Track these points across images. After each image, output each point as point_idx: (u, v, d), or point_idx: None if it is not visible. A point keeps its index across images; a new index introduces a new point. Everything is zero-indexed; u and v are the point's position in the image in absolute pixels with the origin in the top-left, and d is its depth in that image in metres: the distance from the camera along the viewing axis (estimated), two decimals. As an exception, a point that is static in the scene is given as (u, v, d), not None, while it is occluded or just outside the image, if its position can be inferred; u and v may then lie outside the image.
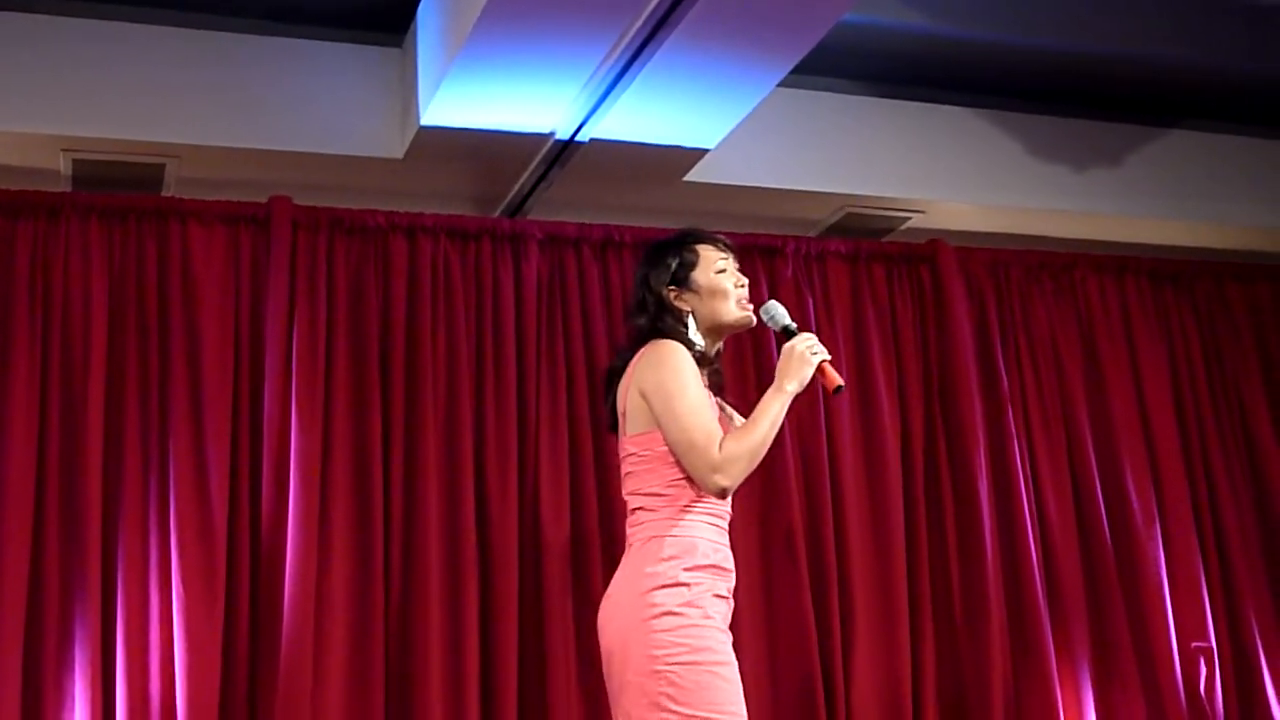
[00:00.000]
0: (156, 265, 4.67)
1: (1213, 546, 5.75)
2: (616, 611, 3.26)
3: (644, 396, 3.32)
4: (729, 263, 3.48)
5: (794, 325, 3.44)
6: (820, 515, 5.16)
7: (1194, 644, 5.53)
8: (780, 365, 3.34)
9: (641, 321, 3.48)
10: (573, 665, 4.74)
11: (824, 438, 5.23)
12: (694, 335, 3.40)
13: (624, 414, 3.41)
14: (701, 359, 3.40)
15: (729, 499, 3.36)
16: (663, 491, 3.28)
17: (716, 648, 3.14)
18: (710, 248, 3.50)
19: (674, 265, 3.49)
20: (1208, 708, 5.47)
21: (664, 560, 3.19)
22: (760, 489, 5.01)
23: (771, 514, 5.06)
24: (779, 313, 3.47)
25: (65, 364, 4.50)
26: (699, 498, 3.26)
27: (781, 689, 4.94)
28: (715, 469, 3.17)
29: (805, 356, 3.28)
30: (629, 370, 3.41)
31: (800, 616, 4.98)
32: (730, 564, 3.32)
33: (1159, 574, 5.55)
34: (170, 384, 4.56)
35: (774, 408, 3.22)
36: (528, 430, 4.91)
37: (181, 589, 4.36)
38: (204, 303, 4.66)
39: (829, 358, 3.34)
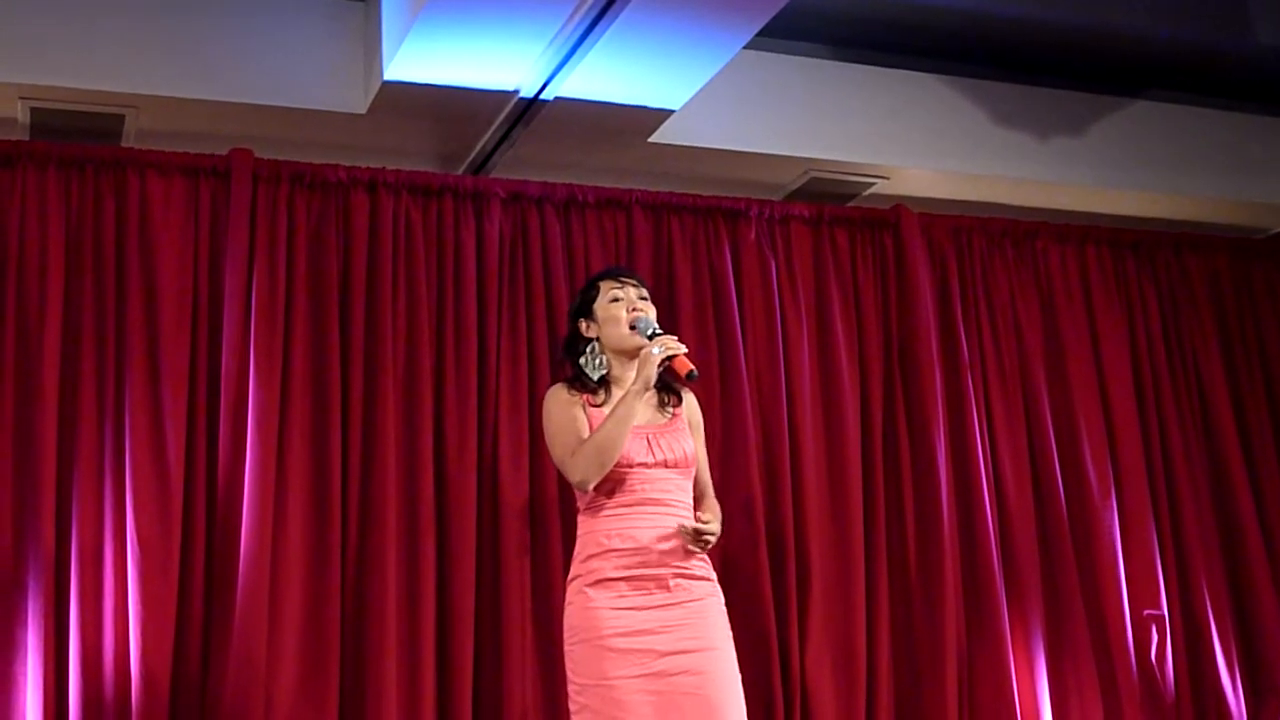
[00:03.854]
0: (114, 216, 4.63)
1: (1166, 515, 5.81)
2: None
3: None
4: (624, 292, 3.89)
5: (658, 331, 3.77)
6: (779, 481, 5.18)
7: (1146, 611, 5.59)
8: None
9: (557, 356, 4.16)
10: (529, 625, 4.75)
11: (784, 404, 5.24)
12: (595, 358, 3.87)
13: None
14: (597, 381, 3.86)
15: (646, 486, 3.72)
16: (577, 504, 3.84)
17: (598, 625, 3.61)
18: (609, 281, 3.94)
19: (581, 300, 3.97)
20: (1158, 673, 5.54)
21: (573, 560, 3.78)
22: (720, 458, 5.00)
23: (731, 481, 5.05)
24: (642, 324, 3.81)
25: (20, 315, 4.46)
26: (593, 498, 3.73)
27: (738, 655, 4.95)
28: (569, 470, 3.72)
29: (647, 357, 3.67)
30: None
31: (757, 582, 5.00)
32: (641, 540, 3.67)
33: (1113, 541, 5.61)
34: (127, 336, 4.53)
35: (620, 409, 3.66)
36: (487, 389, 4.91)
37: (136, 541, 4.34)
38: (162, 255, 4.62)
39: (683, 350, 3.69)
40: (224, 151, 4.75)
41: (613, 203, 5.26)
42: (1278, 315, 6.38)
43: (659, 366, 3.66)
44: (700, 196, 5.37)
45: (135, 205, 4.65)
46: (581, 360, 3.87)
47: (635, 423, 3.68)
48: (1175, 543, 5.80)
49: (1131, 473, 5.76)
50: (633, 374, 3.76)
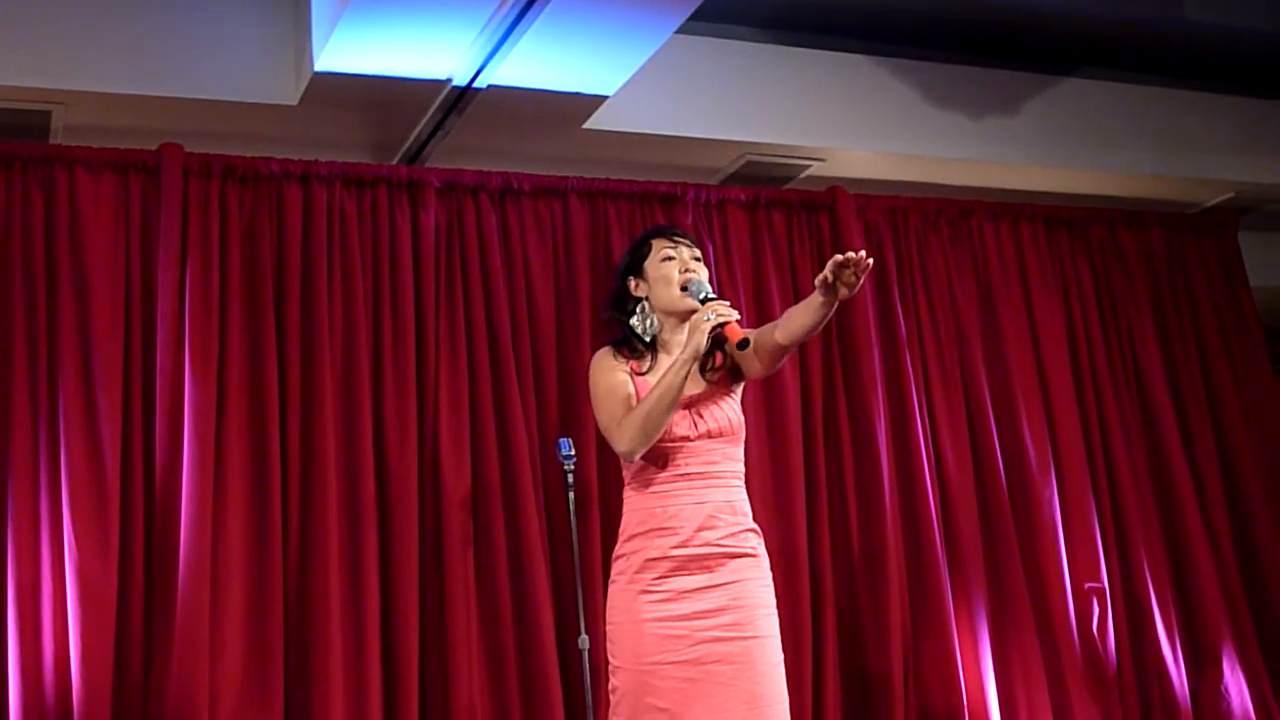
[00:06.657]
0: (43, 214, 4.57)
1: (1105, 489, 5.87)
2: None
3: None
4: (678, 252, 3.71)
5: (710, 296, 3.60)
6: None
7: (1087, 585, 5.65)
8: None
9: (605, 315, 3.87)
10: (474, 616, 4.74)
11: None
12: (645, 319, 3.70)
13: None
14: (649, 343, 3.69)
15: (691, 459, 3.57)
16: (624, 476, 3.68)
17: (636, 607, 3.50)
18: (662, 240, 3.75)
19: (632, 258, 3.78)
20: (1100, 645, 5.60)
21: (619, 537, 3.64)
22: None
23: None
24: (694, 288, 3.65)
25: (-52, 316, 4.40)
26: (639, 469, 3.59)
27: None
28: (615, 439, 3.54)
29: (697, 324, 3.48)
30: None
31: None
32: (681, 519, 3.51)
33: (1053, 516, 5.67)
34: (59, 335, 4.48)
35: (668, 377, 3.47)
36: (427, 380, 4.89)
37: (74, 542, 4.29)
38: (93, 252, 4.56)
39: (735, 318, 3.51)
40: (154, 146, 4.70)
41: (549, 190, 5.25)
42: (1210, 289, 6.46)
43: (709, 334, 3.48)
44: (636, 182, 5.37)
45: (64, 203, 4.59)
46: (633, 320, 3.70)
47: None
48: (1114, 515, 5.87)
49: (1070, 446, 5.82)
50: (681, 337, 3.62)
